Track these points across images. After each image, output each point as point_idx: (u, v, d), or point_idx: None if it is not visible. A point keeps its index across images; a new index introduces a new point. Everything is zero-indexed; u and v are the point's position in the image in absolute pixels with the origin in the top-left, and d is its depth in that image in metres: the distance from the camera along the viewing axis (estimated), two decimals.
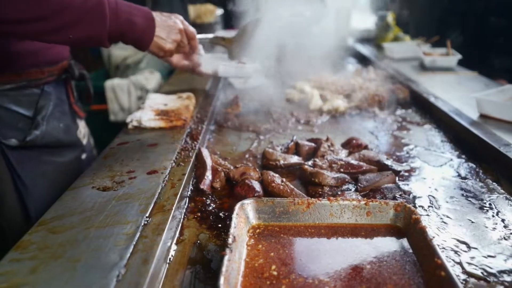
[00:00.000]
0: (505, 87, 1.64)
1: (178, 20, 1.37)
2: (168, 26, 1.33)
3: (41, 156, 1.28)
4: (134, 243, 0.78)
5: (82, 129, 1.53)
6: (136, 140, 1.31)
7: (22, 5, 0.95)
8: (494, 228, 0.93)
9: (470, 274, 0.78)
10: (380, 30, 3.19)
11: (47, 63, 1.27)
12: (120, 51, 3.13)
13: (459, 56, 2.38)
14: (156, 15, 1.30)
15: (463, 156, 1.32)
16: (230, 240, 0.79)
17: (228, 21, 4.17)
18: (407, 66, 2.52)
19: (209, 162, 1.18)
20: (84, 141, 1.53)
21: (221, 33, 1.84)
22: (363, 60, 2.92)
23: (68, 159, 1.38)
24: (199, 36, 1.54)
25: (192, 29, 1.46)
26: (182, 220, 0.97)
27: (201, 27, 3.42)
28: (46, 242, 0.78)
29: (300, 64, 2.60)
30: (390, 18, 3.12)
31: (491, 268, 0.80)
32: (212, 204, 1.05)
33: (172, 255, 0.85)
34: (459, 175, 1.20)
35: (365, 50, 3.13)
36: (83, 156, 1.51)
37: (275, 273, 0.76)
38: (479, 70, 2.28)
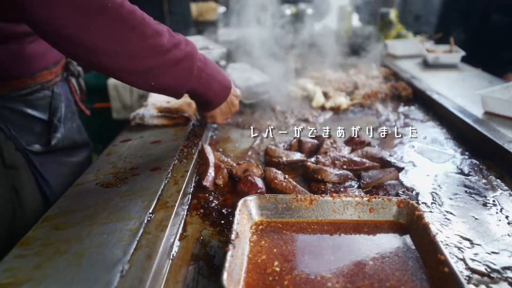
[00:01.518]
0: (510, 83, 1.63)
1: (238, 102, 1.32)
2: (232, 105, 1.28)
3: (60, 158, 1.28)
4: (137, 239, 0.78)
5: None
6: (139, 137, 1.31)
7: (119, 35, 0.89)
8: (498, 225, 0.93)
9: (473, 270, 0.78)
10: (382, 27, 3.18)
11: (53, 63, 1.27)
12: None
13: (462, 53, 2.37)
14: (233, 89, 1.25)
15: (467, 153, 1.32)
16: (233, 236, 0.79)
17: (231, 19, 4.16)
18: (410, 63, 2.51)
19: (211, 159, 1.18)
20: None
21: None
22: (366, 58, 2.91)
23: (81, 159, 1.37)
24: None
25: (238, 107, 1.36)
26: (185, 216, 0.98)
27: (204, 25, 3.42)
28: (50, 238, 0.79)
29: (303, 61, 2.60)
30: (393, 15, 3.11)
31: (494, 264, 0.80)
32: (215, 201, 1.05)
33: (175, 251, 0.85)
34: (462, 172, 1.19)
35: (368, 47, 3.12)
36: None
37: (277, 269, 0.77)
38: (483, 66, 2.27)
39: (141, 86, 1.02)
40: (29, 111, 1.19)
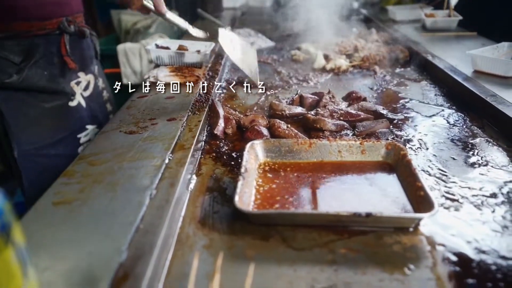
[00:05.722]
0: (500, 44, 1.72)
1: None
2: None
3: (25, 99, 1.43)
4: (161, 172, 0.92)
5: (84, 81, 1.62)
6: (154, 94, 1.44)
7: None
8: (473, 164, 1.06)
9: (446, 198, 0.92)
10: None
11: (38, 18, 1.39)
12: (130, 17, 3.21)
13: (459, 17, 2.44)
14: None
15: (454, 107, 1.44)
16: (242, 170, 0.93)
17: None
18: (410, 28, 2.58)
19: (221, 111, 1.31)
20: (86, 93, 1.62)
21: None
22: (367, 23, 2.98)
23: (53, 105, 1.50)
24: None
25: None
26: (199, 158, 1.11)
27: None
28: (87, 171, 0.93)
29: (305, 26, 2.68)
30: None
31: (465, 193, 0.93)
32: (225, 147, 1.19)
33: (192, 185, 0.99)
34: (448, 123, 1.32)
35: (369, 12, 3.18)
36: (72, 103, 1.57)
37: (280, 200, 0.91)
38: (480, 30, 2.34)
39: None
40: (1, 52, 1.35)
